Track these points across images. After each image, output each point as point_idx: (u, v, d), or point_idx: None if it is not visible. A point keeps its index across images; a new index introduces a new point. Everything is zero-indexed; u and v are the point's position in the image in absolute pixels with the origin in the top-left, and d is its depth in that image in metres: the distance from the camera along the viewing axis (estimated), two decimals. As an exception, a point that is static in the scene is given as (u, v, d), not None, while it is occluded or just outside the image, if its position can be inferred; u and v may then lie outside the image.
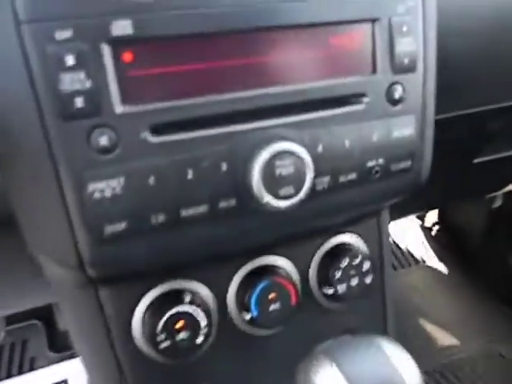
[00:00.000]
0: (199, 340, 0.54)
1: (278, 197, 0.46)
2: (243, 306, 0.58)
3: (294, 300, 0.58)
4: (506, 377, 1.56)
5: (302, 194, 0.47)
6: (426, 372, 1.56)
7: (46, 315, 1.55)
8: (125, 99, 0.42)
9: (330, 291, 0.61)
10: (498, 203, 1.70)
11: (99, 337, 0.56)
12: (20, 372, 1.49)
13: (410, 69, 0.53)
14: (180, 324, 0.53)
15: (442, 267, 1.93)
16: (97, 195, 0.42)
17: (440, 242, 2.00)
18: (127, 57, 0.41)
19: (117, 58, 0.41)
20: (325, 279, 0.62)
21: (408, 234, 2.05)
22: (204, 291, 0.57)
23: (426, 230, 2.04)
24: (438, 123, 0.62)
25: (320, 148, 0.50)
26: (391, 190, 0.57)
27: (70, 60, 0.39)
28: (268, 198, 0.46)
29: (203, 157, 0.45)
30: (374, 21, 0.50)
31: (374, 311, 0.69)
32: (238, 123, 0.46)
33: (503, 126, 0.96)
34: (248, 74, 0.46)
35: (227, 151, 0.46)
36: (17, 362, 1.51)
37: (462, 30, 0.66)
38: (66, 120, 0.40)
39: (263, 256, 0.59)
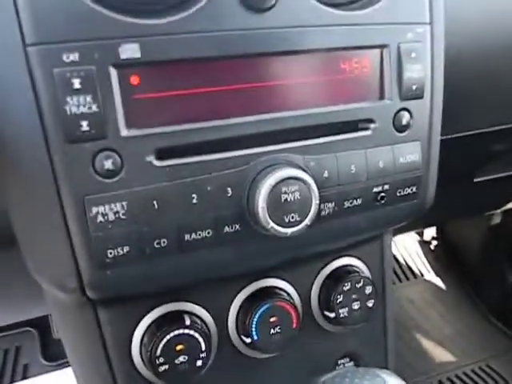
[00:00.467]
0: (199, 363, 0.53)
1: (283, 223, 0.45)
2: (243, 330, 0.57)
3: (295, 323, 0.58)
4: (501, 394, 1.56)
5: (307, 221, 0.47)
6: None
7: (40, 323, 1.54)
8: (130, 123, 0.41)
9: (332, 315, 0.61)
10: (496, 220, 1.70)
11: (97, 358, 0.55)
12: (12, 379, 1.47)
13: (418, 95, 0.52)
14: (180, 347, 0.52)
15: (439, 282, 1.93)
16: (100, 219, 0.42)
17: (438, 256, 1.99)
18: (134, 80, 0.41)
19: (123, 81, 0.41)
20: (326, 303, 0.61)
21: (406, 248, 2.05)
22: (204, 314, 0.56)
23: (425, 245, 2.04)
24: (441, 143, 0.62)
25: (326, 174, 0.49)
26: (396, 215, 0.56)
27: (77, 83, 0.39)
28: (273, 225, 0.45)
29: (208, 181, 0.45)
30: (383, 47, 0.50)
31: (375, 334, 0.68)
32: (243, 148, 0.46)
33: (504, 147, 0.97)
34: (255, 98, 0.46)
35: (233, 176, 0.45)
36: (10, 368, 1.49)
37: (464, 56, 0.66)
38: (70, 143, 0.40)
39: (264, 279, 0.58)
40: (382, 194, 0.53)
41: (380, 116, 0.51)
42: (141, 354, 0.53)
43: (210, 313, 0.56)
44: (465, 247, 1.92)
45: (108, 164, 0.41)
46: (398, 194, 0.54)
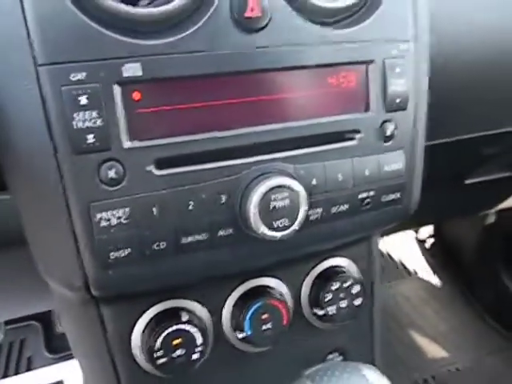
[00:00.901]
0: (195, 356, 0.57)
1: (273, 228, 0.49)
2: (237, 326, 0.61)
3: (285, 320, 0.61)
4: (493, 390, 1.60)
5: (295, 226, 0.50)
6: (415, 383, 1.59)
7: (44, 317, 1.58)
8: (132, 135, 0.45)
9: (321, 312, 0.64)
10: (491, 220, 1.74)
11: (99, 351, 0.59)
12: (17, 371, 1.52)
13: (402, 107, 0.56)
14: (177, 341, 0.56)
15: (434, 280, 1.97)
16: (103, 224, 0.45)
17: (434, 255, 2.03)
18: (136, 96, 0.45)
19: (126, 97, 0.44)
20: (316, 301, 0.65)
21: (402, 245, 2.09)
22: (200, 311, 0.60)
23: (421, 243, 2.08)
24: (430, 148, 0.65)
25: (314, 181, 0.53)
26: (381, 219, 0.60)
27: (83, 100, 0.42)
28: (264, 229, 0.49)
29: (204, 189, 0.48)
30: (368, 62, 0.53)
31: (362, 331, 0.72)
32: (237, 158, 0.49)
33: (493, 150, 1.00)
34: (248, 112, 0.49)
35: (226, 184, 0.49)
36: (14, 361, 1.54)
37: (452, 64, 0.69)
38: (77, 154, 0.43)
39: (257, 278, 0.62)
40: (368, 200, 0.57)
41: (366, 127, 0.54)
42: (141, 347, 0.57)
43: (206, 309, 0.60)
44: (460, 246, 1.96)
45: (111, 173, 0.44)
46: (383, 200, 0.58)
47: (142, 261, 0.48)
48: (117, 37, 0.43)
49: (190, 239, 0.49)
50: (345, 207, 0.55)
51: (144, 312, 0.57)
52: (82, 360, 0.66)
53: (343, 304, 0.64)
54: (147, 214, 0.47)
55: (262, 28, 0.47)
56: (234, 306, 0.61)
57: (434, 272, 1.98)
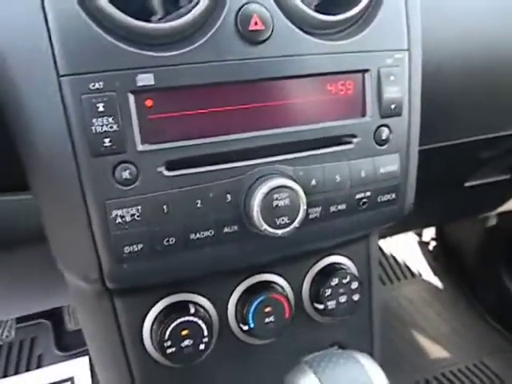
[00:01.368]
0: (202, 346, 0.61)
1: (274, 225, 0.53)
2: (241, 318, 0.64)
3: (287, 314, 0.65)
4: (494, 390, 1.62)
5: (296, 223, 0.54)
6: (416, 383, 1.62)
7: (54, 315, 1.63)
8: (145, 139, 0.49)
9: (321, 307, 0.68)
10: (492, 222, 1.76)
11: (112, 342, 0.63)
12: (28, 369, 1.56)
13: (396, 113, 0.59)
14: (185, 332, 0.60)
15: (437, 282, 1.99)
16: (118, 220, 0.49)
17: (436, 257, 2.06)
18: (148, 103, 0.49)
19: (139, 104, 0.48)
20: (316, 296, 0.68)
21: (405, 247, 2.11)
22: (207, 304, 0.63)
23: (423, 245, 2.10)
24: (428, 151, 0.69)
25: (313, 182, 0.56)
26: (377, 218, 0.63)
27: (101, 107, 0.46)
28: (266, 226, 0.52)
29: (210, 189, 0.52)
30: (364, 71, 0.57)
31: (362, 326, 0.75)
32: (241, 160, 0.53)
33: (491, 154, 1.03)
34: (251, 117, 0.53)
35: (231, 184, 0.53)
36: (25, 358, 1.58)
37: (447, 70, 0.72)
38: (95, 156, 0.47)
39: (260, 274, 0.66)
40: (364, 200, 0.60)
41: (362, 131, 0.58)
42: (151, 338, 0.61)
43: (212, 303, 0.64)
44: (462, 248, 1.98)
45: (126, 174, 0.48)
46: (379, 200, 0.61)
47: (153, 255, 0.52)
48: (131, 49, 0.47)
49: (197, 235, 0.53)
50: (342, 207, 0.59)
51: (154, 305, 0.61)
52: (95, 352, 0.70)
53: (342, 299, 0.68)
54: (158, 211, 0.50)
55: (265, 40, 0.51)
56: (239, 300, 0.65)
57: (437, 274, 2.01)
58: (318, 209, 0.58)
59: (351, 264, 0.71)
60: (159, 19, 0.48)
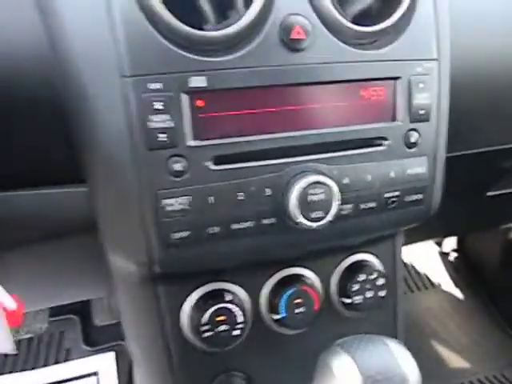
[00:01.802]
0: (236, 332, 0.65)
1: (309, 218, 0.57)
2: (273, 308, 0.68)
3: (316, 306, 0.69)
4: (514, 402, 1.61)
5: (329, 217, 0.58)
6: (436, 392, 1.62)
7: (83, 311, 1.69)
8: (195, 135, 0.54)
9: (348, 301, 0.72)
10: (513, 234, 1.77)
11: (153, 325, 0.67)
12: (56, 361, 1.62)
13: (425, 118, 0.63)
14: (221, 318, 0.64)
15: (457, 292, 2.00)
16: (168, 209, 0.54)
17: (457, 268, 2.06)
18: (200, 103, 0.54)
19: (192, 103, 0.53)
20: (344, 290, 0.72)
21: (426, 257, 2.12)
22: (242, 293, 0.68)
23: (444, 256, 2.11)
24: (451, 159, 0.72)
25: (346, 180, 0.61)
26: (405, 217, 0.67)
27: (158, 105, 0.51)
28: (301, 219, 0.57)
29: (252, 183, 0.57)
30: (396, 79, 0.61)
31: (386, 321, 0.79)
32: (281, 157, 0.58)
33: (513, 163, 1.05)
34: (292, 118, 0.58)
35: (271, 179, 0.57)
36: (54, 351, 1.64)
37: (473, 79, 0.76)
38: (150, 150, 0.52)
39: (292, 267, 0.70)
40: (393, 199, 0.64)
41: (392, 135, 0.62)
42: (189, 322, 0.66)
43: (246, 292, 0.68)
44: (483, 260, 1.98)
45: (177, 166, 0.53)
46: (406, 200, 0.65)
47: (198, 242, 0.56)
48: (186, 54, 0.52)
49: (238, 226, 0.57)
50: (372, 204, 0.63)
51: (193, 291, 0.66)
52: (134, 338, 0.74)
53: (369, 294, 0.72)
54: (204, 202, 0.55)
55: (305, 48, 0.56)
56: (271, 290, 0.69)
57: (457, 285, 2.01)
58: (350, 206, 0.62)
59: (378, 262, 0.75)
60: (211, 28, 0.54)
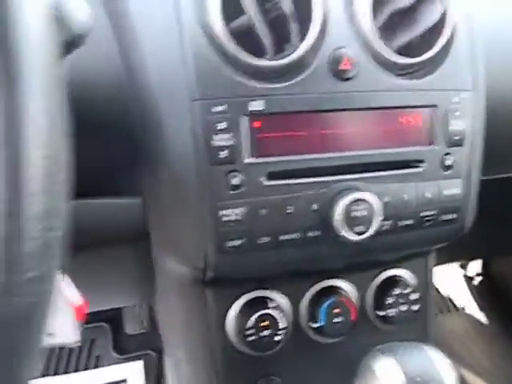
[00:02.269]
0: (277, 338, 0.70)
1: (352, 232, 0.62)
2: (312, 317, 0.73)
3: (353, 316, 0.73)
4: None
5: (370, 232, 0.63)
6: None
7: (114, 320, 1.75)
8: (252, 153, 0.60)
9: (382, 313, 0.76)
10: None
11: (199, 327, 0.72)
12: (86, 368, 1.67)
13: (460, 144, 0.68)
14: (265, 323, 0.69)
15: (481, 316, 2.00)
16: (225, 219, 0.60)
17: (481, 292, 2.06)
18: (257, 124, 0.60)
19: (250, 125, 0.59)
20: (378, 303, 0.76)
21: (450, 281, 2.13)
22: (284, 301, 0.73)
23: (469, 280, 2.12)
24: (485, 182, 0.76)
25: (386, 198, 0.65)
26: (439, 235, 0.72)
27: (221, 126, 0.58)
28: (345, 232, 0.62)
29: (301, 198, 0.62)
30: (433, 106, 0.66)
31: (418, 334, 0.82)
32: (327, 175, 0.63)
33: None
34: (337, 140, 0.63)
35: (318, 195, 0.63)
36: (84, 358, 1.70)
37: (509, 107, 0.80)
38: (212, 165, 0.58)
39: (332, 279, 0.75)
40: (428, 218, 0.69)
41: (429, 158, 0.67)
42: (234, 326, 0.70)
43: (288, 300, 0.73)
44: (508, 285, 1.98)
45: (235, 180, 0.59)
46: (441, 219, 0.69)
47: (250, 251, 0.62)
48: (247, 81, 0.58)
49: (286, 237, 0.63)
50: (409, 222, 0.68)
51: (240, 297, 0.71)
52: (178, 338, 0.80)
53: (403, 308, 0.75)
54: (256, 213, 0.61)
55: (352, 77, 0.62)
56: (311, 299, 0.74)
57: (481, 309, 2.01)
58: (389, 222, 0.66)
59: (412, 277, 0.79)
60: (269, 57, 0.60)
